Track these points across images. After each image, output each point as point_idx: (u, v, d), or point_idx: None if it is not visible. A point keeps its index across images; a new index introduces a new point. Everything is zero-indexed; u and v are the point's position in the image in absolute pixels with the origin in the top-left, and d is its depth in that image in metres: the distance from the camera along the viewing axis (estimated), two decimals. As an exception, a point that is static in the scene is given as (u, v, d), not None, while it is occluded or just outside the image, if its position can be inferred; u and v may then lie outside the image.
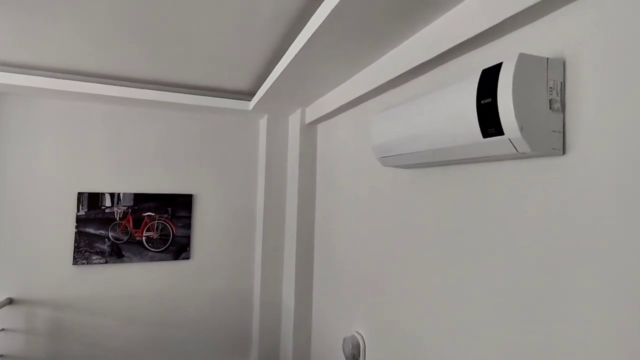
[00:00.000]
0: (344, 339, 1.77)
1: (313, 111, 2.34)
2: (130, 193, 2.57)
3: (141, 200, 2.60)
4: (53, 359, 2.33)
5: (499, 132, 0.81)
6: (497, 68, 0.82)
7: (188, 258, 2.69)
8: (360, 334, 1.74)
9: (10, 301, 2.25)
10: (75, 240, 2.44)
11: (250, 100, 2.63)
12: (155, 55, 1.96)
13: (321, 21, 1.29)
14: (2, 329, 2.20)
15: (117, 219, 2.54)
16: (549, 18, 0.91)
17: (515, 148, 0.81)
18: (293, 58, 1.65)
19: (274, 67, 2.10)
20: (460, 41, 1.10)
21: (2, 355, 2.20)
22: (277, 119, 2.71)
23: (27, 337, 2.29)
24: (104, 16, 1.55)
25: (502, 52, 1.06)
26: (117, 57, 1.98)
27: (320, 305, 2.30)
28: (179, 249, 2.67)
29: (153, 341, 2.58)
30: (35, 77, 2.13)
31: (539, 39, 0.94)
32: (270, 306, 2.64)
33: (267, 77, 2.26)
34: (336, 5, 1.16)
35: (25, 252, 2.33)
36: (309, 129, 2.49)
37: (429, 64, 1.31)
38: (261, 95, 2.26)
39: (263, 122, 2.81)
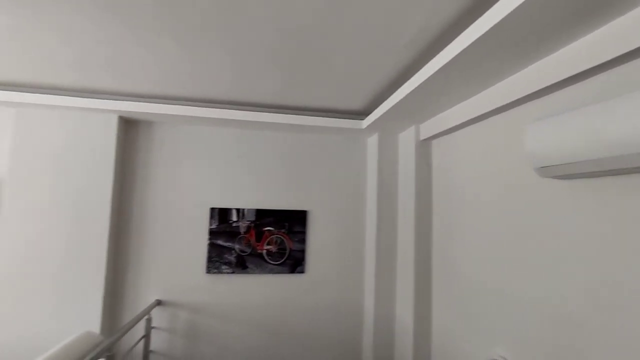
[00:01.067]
0: (484, 361, 1.69)
1: (429, 127, 2.35)
2: (253, 209, 2.81)
3: (262, 215, 2.81)
4: (190, 358, 2.58)
5: None
6: None
7: (303, 272, 2.82)
8: (505, 359, 1.64)
9: (159, 302, 2.57)
10: (208, 251, 2.71)
11: (362, 119, 2.73)
12: (284, 81, 2.16)
13: (475, 38, 1.32)
14: (154, 327, 2.51)
15: (242, 232, 2.78)
16: None
17: None
18: (427, 79, 1.70)
19: (397, 87, 2.17)
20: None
21: (151, 351, 2.49)
22: (388, 137, 2.77)
23: (171, 336, 2.58)
24: (245, 48, 1.77)
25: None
26: (250, 85, 2.23)
27: (443, 324, 2.23)
28: (295, 262, 2.82)
29: (270, 349, 2.72)
30: (179, 106, 2.49)
31: None
32: (383, 322, 2.63)
33: (384, 96, 2.35)
34: (499, 22, 1.18)
35: (169, 260, 2.65)
36: (424, 146, 2.49)
37: (590, 71, 1.26)
38: (380, 114, 2.35)
39: (372, 140, 2.90)
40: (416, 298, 2.36)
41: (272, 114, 2.57)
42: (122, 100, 2.46)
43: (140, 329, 2.43)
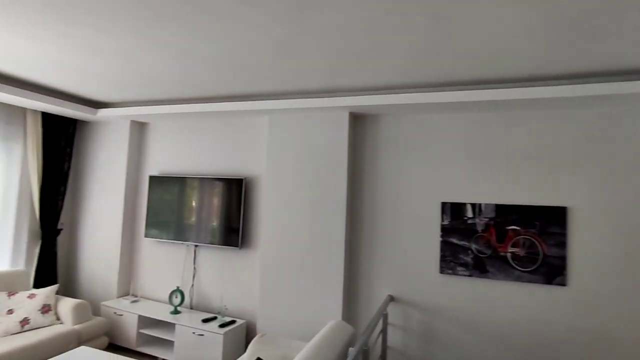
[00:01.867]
0: None
1: None
2: (492, 204, 2.40)
3: (503, 212, 2.38)
4: (426, 363, 2.43)
5: None
6: None
7: (563, 284, 2.23)
8: None
9: (391, 298, 2.51)
10: (441, 250, 2.48)
11: (661, 80, 1.93)
12: (548, 40, 1.67)
13: None
14: (389, 323, 2.47)
15: (479, 230, 2.42)
16: None
17: None
18: None
19: None
20: None
21: (389, 347, 2.45)
22: None
23: (405, 335, 2.48)
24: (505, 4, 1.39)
25: None
26: (503, 55, 1.83)
27: None
28: (551, 271, 2.26)
29: (520, 373, 2.26)
30: (411, 94, 2.32)
31: None
32: None
33: None
34: None
35: (399, 255, 2.56)
36: None
37: None
38: None
39: (675, 109, 2.03)
40: None
41: (528, 88, 2.09)
42: (353, 96, 2.49)
43: (377, 323, 2.43)
